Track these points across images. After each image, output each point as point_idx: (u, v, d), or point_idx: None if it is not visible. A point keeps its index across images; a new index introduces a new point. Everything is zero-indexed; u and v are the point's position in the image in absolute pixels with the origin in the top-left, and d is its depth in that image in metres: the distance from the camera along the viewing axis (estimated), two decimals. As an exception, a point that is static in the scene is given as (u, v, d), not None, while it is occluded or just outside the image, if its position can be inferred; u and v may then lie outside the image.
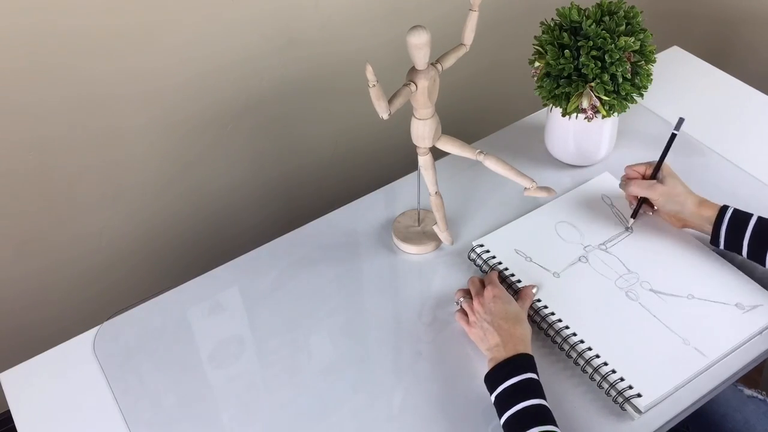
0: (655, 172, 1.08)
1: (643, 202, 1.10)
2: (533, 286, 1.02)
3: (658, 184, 1.06)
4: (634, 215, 1.11)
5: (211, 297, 1.08)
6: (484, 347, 0.93)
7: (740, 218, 1.01)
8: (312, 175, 1.63)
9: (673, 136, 1.10)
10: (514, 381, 0.86)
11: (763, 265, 0.99)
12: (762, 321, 0.98)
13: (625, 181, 1.10)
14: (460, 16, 0.98)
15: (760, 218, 1.00)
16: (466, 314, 0.98)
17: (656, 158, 1.26)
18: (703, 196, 1.15)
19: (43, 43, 1.14)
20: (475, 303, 0.97)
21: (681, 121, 1.11)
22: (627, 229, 1.10)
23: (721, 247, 1.03)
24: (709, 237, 1.03)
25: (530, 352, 0.90)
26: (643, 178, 1.09)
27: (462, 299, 1.00)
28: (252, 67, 1.38)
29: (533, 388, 0.86)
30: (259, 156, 1.52)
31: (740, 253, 1.01)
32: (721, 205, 1.03)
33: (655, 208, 1.09)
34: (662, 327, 0.98)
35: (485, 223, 1.15)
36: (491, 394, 0.88)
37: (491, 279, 1.01)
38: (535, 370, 0.88)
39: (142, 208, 1.44)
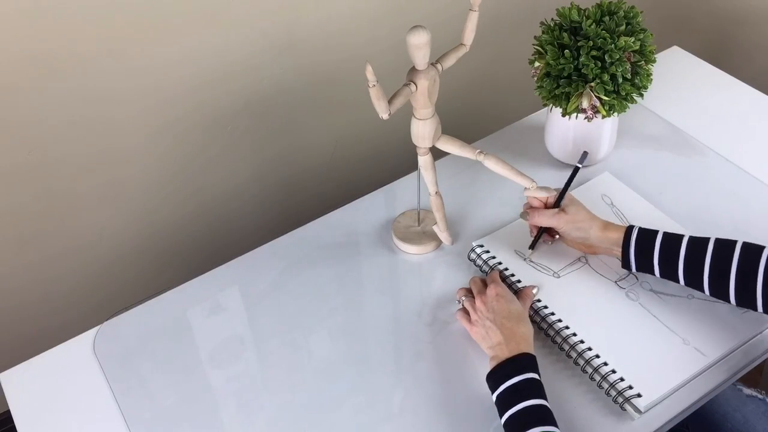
0: (558, 200, 1.04)
1: (543, 232, 1.07)
2: (534, 287, 1.02)
3: (562, 213, 1.02)
4: (532, 246, 1.07)
5: (211, 297, 1.08)
6: (486, 346, 0.93)
7: (647, 236, 0.97)
8: (312, 175, 1.63)
9: (577, 168, 1.10)
10: (515, 380, 0.86)
11: (678, 282, 0.95)
12: (762, 321, 0.98)
13: (527, 210, 1.06)
14: (460, 16, 0.98)
15: (666, 234, 0.96)
16: (467, 313, 0.98)
17: (656, 159, 1.26)
18: (703, 196, 1.15)
19: (43, 44, 1.14)
20: (478, 302, 0.96)
21: (585, 155, 1.11)
22: (525, 259, 1.06)
23: (633, 270, 0.99)
24: (620, 261, 0.99)
25: (532, 352, 0.90)
26: (546, 206, 1.05)
27: (464, 298, 1.00)
28: (252, 67, 1.38)
29: (535, 388, 0.86)
30: (259, 156, 1.52)
31: (653, 274, 0.97)
32: (627, 225, 0.99)
33: (557, 237, 1.07)
34: (662, 327, 0.98)
35: (485, 223, 1.15)
36: (493, 393, 0.88)
37: (493, 278, 1.01)
38: (536, 370, 0.88)
39: (142, 208, 1.44)
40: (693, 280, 0.94)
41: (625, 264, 0.99)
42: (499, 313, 0.93)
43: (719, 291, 0.92)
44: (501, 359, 0.89)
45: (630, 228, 0.98)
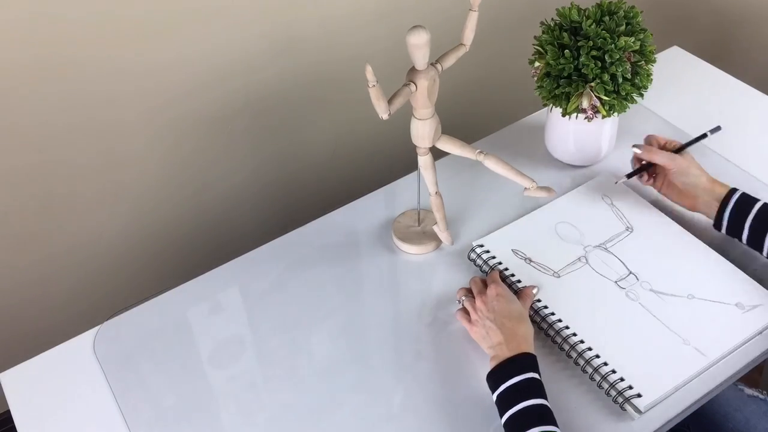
0: (679, 150, 1.11)
1: (646, 170, 1.12)
2: (534, 287, 1.02)
3: (679, 157, 1.08)
4: (630, 176, 1.13)
5: (211, 297, 1.08)
6: (487, 345, 0.93)
7: (747, 201, 1.02)
8: (312, 175, 1.63)
9: (705, 135, 1.16)
10: (516, 380, 0.86)
11: (761, 252, 1.00)
12: (762, 321, 0.98)
13: (644, 146, 1.11)
14: (460, 16, 0.98)
15: (765, 204, 1.01)
16: (467, 313, 0.98)
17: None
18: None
19: (43, 44, 1.14)
20: (478, 301, 0.96)
21: (717, 128, 1.17)
22: (616, 183, 1.14)
23: (723, 230, 1.04)
24: (713, 221, 1.05)
25: (533, 352, 0.90)
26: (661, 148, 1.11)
27: (464, 297, 1.00)
28: (252, 67, 1.38)
29: (535, 388, 0.86)
30: (259, 156, 1.52)
31: (741, 239, 1.02)
32: (731, 187, 1.05)
33: (652, 180, 1.12)
34: (662, 327, 0.98)
35: (485, 223, 1.15)
36: (493, 392, 0.88)
37: (494, 278, 1.01)
38: (537, 370, 0.88)
39: (143, 208, 1.44)
40: None
41: (717, 223, 1.04)
42: (499, 313, 0.93)
43: None
44: (501, 359, 0.89)
45: (733, 189, 1.04)
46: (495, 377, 0.88)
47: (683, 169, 1.07)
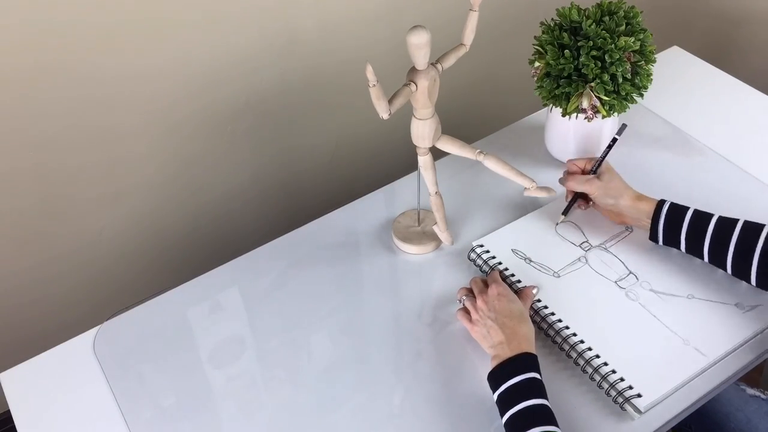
0: (595, 168, 1.09)
1: (577, 198, 1.11)
2: (534, 287, 1.02)
3: (595, 179, 1.07)
4: (565, 212, 1.11)
5: (211, 297, 1.08)
6: (487, 345, 0.93)
7: (677, 211, 1.01)
8: (312, 175, 1.63)
9: (614, 140, 1.12)
10: (516, 380, 0.86)
11: (702, 258, 1.00)
12: (762, 321, 0.98)
13: (565, 175, 1.11)
14: (460, 16, 0.98)
15: (696, 211, 1.00)
16: (468, 313, 0.98)
17: (656, 159, 1.26)
18: (703, 196, 1.15)
19: (43, 43, 1.14)
20: (479, 301, 0.96)
21: (623, 127, 1.13)
22: (557, 224, 1.11)
23: (660, 242, 1.04)
24: (648, 234, 1.04)
25: (534, 352, 0.90)
26: (583, 172, 1.10)
27: (465, 297, 1.00)
28: (252, 67, 1.38)
29: (536, 388, 0.86)
30: (259, 156, 1.52)
31: (678, 248, 1.02)
32: (659, 199, 1.03)
33: (590, 204, 1.11)
34: (662, 327, 0.98)
35: (485, 223, 1.15)
36: (494, 392, 0.88)
37: (494, 277, 1.01)
38: (538, 370, 0.88)
39: (142, 208, 1.44)
40: (717, 259, 0.99)
41: (653, 236, 1.03)
42: (500, 313, 0.93)
43: (741, 271, 0.97)
44: (502, 358, 0.89)
45: (662, 202, 1.02)
46: (496, 377, 0.88)
47: (602, 191, 1.06)
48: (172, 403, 0.96)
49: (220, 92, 1.37)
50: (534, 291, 1.01)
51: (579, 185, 1.08)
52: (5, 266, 1.36)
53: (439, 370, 0.97)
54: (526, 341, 0.91)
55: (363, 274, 1.10)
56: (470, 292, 1.00)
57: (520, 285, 1.04)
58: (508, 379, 0.87)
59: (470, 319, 0.97)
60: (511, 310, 0.94)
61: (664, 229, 1.02)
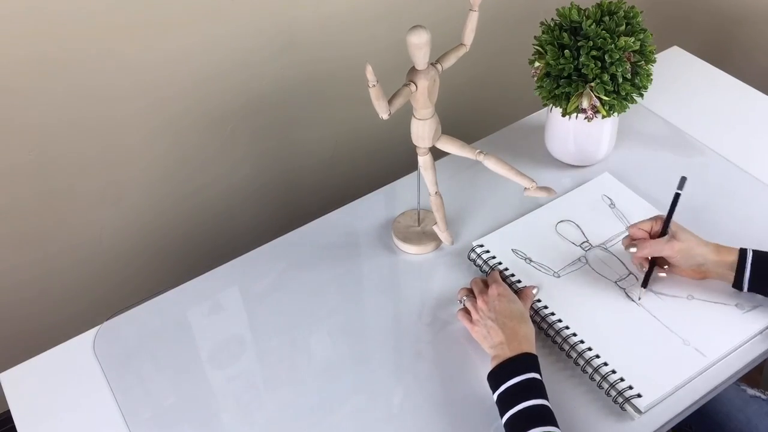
0: (664, 228, 1.00)
1: (654, 264, 1.01)
2: (534, 287, 1.02)
3: (674, 241, 0.97)
4: (645, 284, 1.01)
5: (211, 297, 1.08)
6: (488, 345, 0.93)
7: (761, 258, 0.96)
8: (312, 175, 1.63)
9: (677, 196, 1.03)
10: (517, 380, 0.86)
11: None
12: (762, 321, 0.98)
13: (631, 242, 1.00)
14: (460, 16, 0.98)
15: None
16: (468, 313, 0.98)
17: (656, 159, 1.26)
18: (703, 196, 1.15)
19: (43, 43, 1.14)
20: (479, 301, 0.96)
21: (684, 180, 1.04)
22: (638, 299, 1.01)
23: (745, 290, 0.98)
24: (731, 284, 0.98)
25: (534, 352, 0.90)
26: (651, 236, 1.01)
27: (465, 297, 1.00)
28: (252, 68, 1.38)
29: (536, 388, 0.86)
30: (259, 156, 1.52)
31: (765, 294, 0.98)
32: (740, 248, 0.97)
33: (666, 267, 1.01)
34: (662, 327, 0.98)
35: (485, 223, 1.15)
36: (494, 392, 0.88)
37: (495, 278, 1.01)
38: (538, 370, 0.88)
39: (142, 207, 1.44)
40: None
41: (737, 284, 0.98)
42: (501, 313, 0.93)
43: None
44: (503, 359, 0.89)
45: (743, 251, 0.97)
46: (496, 377, 0.88)
47: (684, 252, 0.97)
48: (172, 403, 0.96)
49: (220, 92, 1.37)
50: (534, 291, 1.01)
51: (657, 251, 0.98)
52: (5, 265, 1.36)
53: (439, 370, 0.97)
54: (527, 341, 0.91)
55: (363, 274, 1.10)
56: (470, 293, 1.00)
57: (520, 285, 1.03)
58: (508, 379, 0.86)
59: (470, 320, 0.97)
60: (511, 311, 0.94)
61: (750, 279, 0.96)
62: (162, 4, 1.21)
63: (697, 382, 0.93)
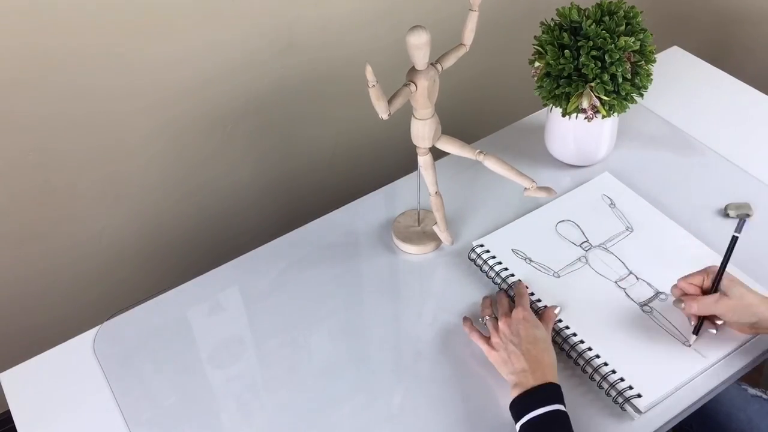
0: (716, 282, 0.93)
1: (704, 321, 0.96)
2: (555, 307, 0.99)
3: (725, 299, 0.91)
4: (696, 331, 0.95)
5: (211, 297, 1.08)
6: (507, 371, 0.89)
7: None
8: (312, 175, 1.63)
9: (735, 239, 0.95)
10: (542, 411, 0.83)
11: None
12: (762, 321, 0.98)
13: (681, 298, 0.95)
14: (460, 16, 0.98)
15: None
16: (473, 325, 0.97)
17: (656, 159, 1.26)
18: (703, 196, 1.15)
19: (43, 42, 1.14)
20: (501, 323, 0.93)
21: (743, 221, 0.97)
22: (690, 344, 0.95)
23: None
24: None
25: (557, 382, 0.87)
26: (702, 290, 0.95)
27: (488, 318, 0.97)
28: (252, 68, 1.38)
29: (561, 422, 0.83)
30: (259, 156, 1.52)
31: None
32: None
33: (719, 323, 0.96)
34: (662, 327, 0.98)
35: (485, 223, 1.15)
36: (516, 422, 0.85)
37: (521, 302, 0.96)
38: (563, 402, 0.85)
39: (143, 208, 1.44)
40: None
41: None
42: (524, 339, 0.90)
43: None
44: (526, 387, 0.85)
45: None
46: (519, 407, 0.85)
47: (736, 310, 0.91)
48: (172, 403, 0.96)
49: (220, 90, 1.37)
50: (556, 311, 0.98)
51: (707, 308, 0.92)
52: (4, 265, 1.36)
53: (439, 370, 0.97)
54: (551, 371, 0.87)
55: (363, 274, 1.10)
56: (492, 309, 0.97)
57: (540, 305, 1.01)
58: (533, 410, 0.83)
59: (487, 341, 0.94)
60: (535, 336, 0.90)
61: None
62: (163, 4, 1.21)
63: (697, 382, 0.93)
